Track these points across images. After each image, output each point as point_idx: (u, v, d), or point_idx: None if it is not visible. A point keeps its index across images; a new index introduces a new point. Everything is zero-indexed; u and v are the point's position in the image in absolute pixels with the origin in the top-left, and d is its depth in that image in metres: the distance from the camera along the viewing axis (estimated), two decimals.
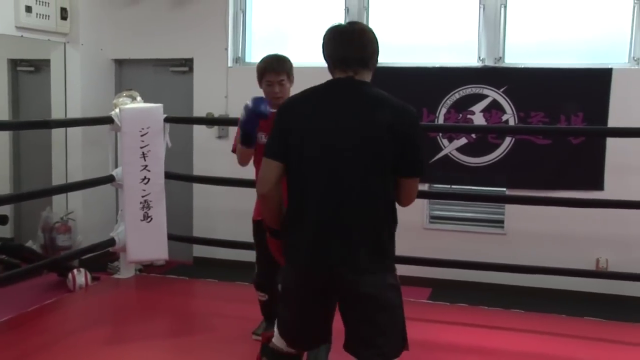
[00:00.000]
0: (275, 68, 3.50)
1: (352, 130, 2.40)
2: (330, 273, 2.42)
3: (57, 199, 6.15)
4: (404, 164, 2.43)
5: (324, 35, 2.56)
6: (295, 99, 2.60)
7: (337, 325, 2.62)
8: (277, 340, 2.70)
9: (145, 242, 5.26)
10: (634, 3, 5.24)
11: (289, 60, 3.60)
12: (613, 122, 5.14)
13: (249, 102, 3.33)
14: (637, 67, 5.24)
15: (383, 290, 2.45)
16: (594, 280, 5.18)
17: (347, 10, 5.86)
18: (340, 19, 5.82)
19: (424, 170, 2.52)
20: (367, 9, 5.84)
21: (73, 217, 6.08)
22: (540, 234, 5.38)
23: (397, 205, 2.58)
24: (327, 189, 2.42)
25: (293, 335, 2.62)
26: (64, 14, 5.87)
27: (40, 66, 6.53)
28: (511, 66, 5.48)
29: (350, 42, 2.48)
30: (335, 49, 2.51)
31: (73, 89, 6.08)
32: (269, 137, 2.56)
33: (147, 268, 5.99)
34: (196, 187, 6.22)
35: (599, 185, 5.22)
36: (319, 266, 2.45)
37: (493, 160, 5.46)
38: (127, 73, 6.55)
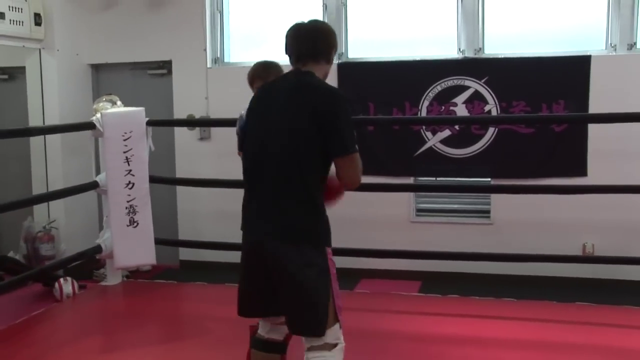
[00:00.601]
0: (260, 74, 3.60)
1: (281, 112, 2.61)
2: (260, 246, 2.61)
3: (38, 208, 6.03)
4: (330, 144, 2.55)
5: (286, 33, 2.79)
6: (257, 91, 2.89)
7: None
8: (260, 329, 2.89)
9: (132, 247, 5.22)
10: None
11: (277, 66, 3.65)
12: (593, 108, 5.20)
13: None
14: (614, 54, 5.30)
15: (302, 267, 2.55)
16: (582, 265, 5.24)
17: (325, 6, 5.84)
18: (318, 15, 5.82)
19: (348, 149, 2.57)
20: (345, 5, 5.83)
21: (55, 226, 5.97)
22: (526, 222, 5.42)
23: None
24: (260, 166, 2.64)
25: (239, 300, 2.79)
26: (37, 19, 5.77)
27: (14, 74, 6.39)
28: (491, 57, 5.52)
29: (302, 39, 2.72)
30: (291, 45, 2.75)
31: (50, 96, 5.97)
32: None
33: (133, 274, 5.92)
34: (180, 189, 6.16)
35: (582, 171, 5.28)
36: (253, 239, 2.66)
37: (477, 151, 5.49)
38: (105, 78, 6.46)
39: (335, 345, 2.63)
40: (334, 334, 2.63)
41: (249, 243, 2.70)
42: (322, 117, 2.54)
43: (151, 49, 6.15)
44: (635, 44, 5.28)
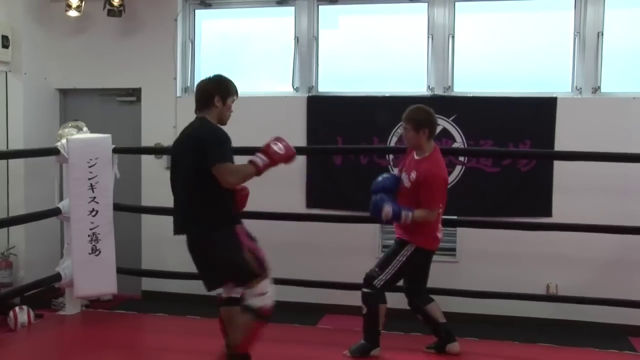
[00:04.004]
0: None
1: (180, 144, 3.82)
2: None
3: None
4: (206, 159, 3.61)
5: None
6: None
7: None
8: (223, 294, 4.01)
9: (93, 276, 5.13)
10: (574, 35, 5.43)
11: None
12: (559, 149, 5.26)
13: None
14: (579, 97, 5.40)
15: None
16: (545, 306, 5.26)
17: (297, 39, 5.87)
18: (290, 48, 5.88)
19: (216, 160, 3.58)
20: (316, 39, 5.87)
21: (14, 252, 5.82)
22: (491, 261, 5.44)
23: None
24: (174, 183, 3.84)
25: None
26: (5, 42, 5.71)
27: None
28: (460, 95, 5.57)
29: (195, 94, 3.87)
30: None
31: (15, 120, 5.89)
32: None
33: (93, 303, 5.78)
34: (145, 218, 6.09)
35: (547, 211, 5.32)
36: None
37: None
38: (73, 103, 6.40)
39: (264, 294, 3.65)
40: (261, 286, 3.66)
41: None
42: (199, 144, 3.61)
43: (121, 76, 6.13)
44: (599, 87, 5.37)
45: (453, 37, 5.59)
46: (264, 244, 3.89)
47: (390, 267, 4.28)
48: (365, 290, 4.31)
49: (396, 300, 5.35)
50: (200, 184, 3.64)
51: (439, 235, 4.42)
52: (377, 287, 4.26)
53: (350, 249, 5.63)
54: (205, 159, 3.59)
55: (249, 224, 4.11)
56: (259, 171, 3.68)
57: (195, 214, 3.69)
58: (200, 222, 3.69)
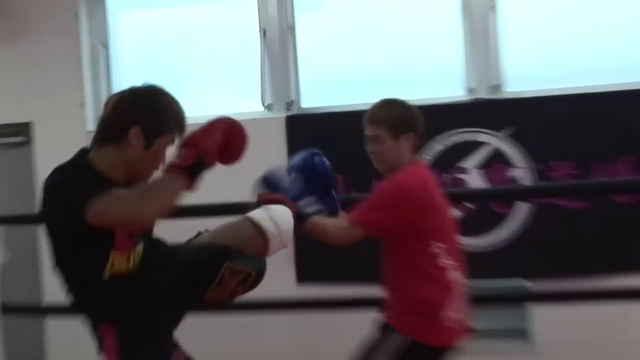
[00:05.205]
0: None
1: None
2: None
3: None
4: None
5: None
6: None
7: None
8: None
9: None
10: None
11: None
12: None
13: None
14: None
15: None
16: None
17: (262, 32, 4.58)
18: (254, 46, 4.60)
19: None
20: (293, 30, 4.60)
21: None
22: (584, 346, 4.09)
23: None
24: None
25: None
26: None
27: None
28: (516, 97, 4.39)
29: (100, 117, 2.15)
30: None
31: None
32: None
33: None
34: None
35: None
36: None
37: (502, 240, 4.30)
38: None
39: None
40: None
41: None
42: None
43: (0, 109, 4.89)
44: None
45: (494, 12, 4.32)
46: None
47: None
48: None
49: None
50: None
51: (454, 316, 2.63)
52: None
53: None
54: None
55: None
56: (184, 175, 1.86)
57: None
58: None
